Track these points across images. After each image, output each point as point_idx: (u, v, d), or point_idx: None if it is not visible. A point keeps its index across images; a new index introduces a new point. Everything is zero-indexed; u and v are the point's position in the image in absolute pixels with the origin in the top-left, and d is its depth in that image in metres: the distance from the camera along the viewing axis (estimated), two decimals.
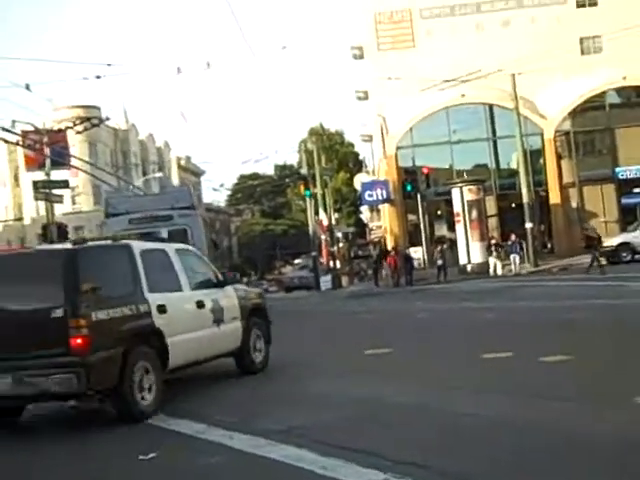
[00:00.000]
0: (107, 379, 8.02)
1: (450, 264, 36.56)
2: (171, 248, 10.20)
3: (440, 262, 35.30)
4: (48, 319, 7.87)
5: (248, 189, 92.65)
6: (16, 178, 69.63)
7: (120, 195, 27.45)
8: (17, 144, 37.86)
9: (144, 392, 8.38)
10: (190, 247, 11.73)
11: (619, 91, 45.62)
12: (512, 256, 34.56)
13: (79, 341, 7.79)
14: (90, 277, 8.29)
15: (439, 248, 36.62)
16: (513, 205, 42.15)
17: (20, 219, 70.79)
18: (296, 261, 69.28)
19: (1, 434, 8.34)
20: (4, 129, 28.35)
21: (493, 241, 36.94)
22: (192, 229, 20.04)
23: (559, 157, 45.06)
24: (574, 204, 44.84)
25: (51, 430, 8.55)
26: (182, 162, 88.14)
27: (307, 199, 45.45)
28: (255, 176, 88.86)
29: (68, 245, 9.54)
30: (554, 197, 44.45)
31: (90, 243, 9.25)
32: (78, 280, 8.14)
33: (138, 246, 9.37)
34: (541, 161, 44.91)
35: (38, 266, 8.55)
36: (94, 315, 8.00)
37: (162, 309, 8.96)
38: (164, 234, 18.42)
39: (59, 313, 7.88)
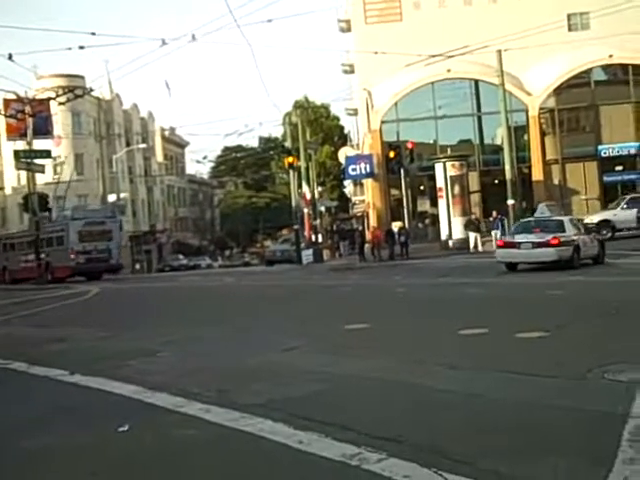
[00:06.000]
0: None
1: (432, 239, 36.59)
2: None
3: (402, 239, 35.50)
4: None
5: (232, 161, 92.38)
6: None
7: (80, 208, 46.10)
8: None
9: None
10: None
11: (605, 68, 45.70)
12: (493, 232, 34.71)
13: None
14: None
15: (424, 222, 36.75)
16: (496, 181, 42.34)
17: (1, 188, 70.22)
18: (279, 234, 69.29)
19: None
20: None
21: (473, 216, 37.08)
22: (114, 229, 41.16)
23: (543, 134, 45.20)
24: (556, 181, 45.08)
25: None
26: (166, 133, 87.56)
27: (291, 172, 45.25)
28: (239, 148, 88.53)
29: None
30: (537, 174, 44.64)
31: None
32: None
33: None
34: (525, 137, 45.02)
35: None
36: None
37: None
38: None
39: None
